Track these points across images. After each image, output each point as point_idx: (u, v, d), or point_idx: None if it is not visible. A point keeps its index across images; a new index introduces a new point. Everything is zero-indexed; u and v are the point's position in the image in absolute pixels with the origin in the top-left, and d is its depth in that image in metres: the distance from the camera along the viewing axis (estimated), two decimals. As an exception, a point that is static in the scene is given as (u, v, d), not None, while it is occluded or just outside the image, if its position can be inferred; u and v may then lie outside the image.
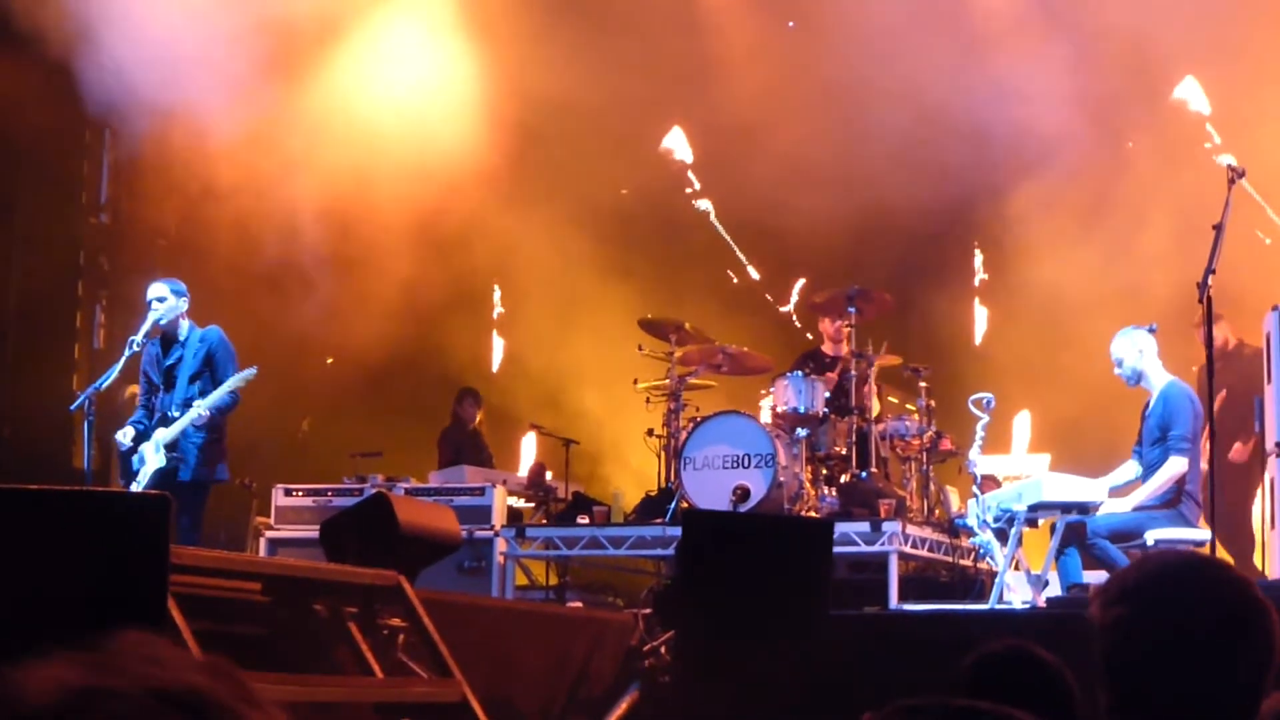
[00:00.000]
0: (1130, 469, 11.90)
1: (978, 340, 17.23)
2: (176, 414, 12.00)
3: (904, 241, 16.73)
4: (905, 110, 16.20)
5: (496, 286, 18.78)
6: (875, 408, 13.90)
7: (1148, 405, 11.83)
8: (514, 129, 16.94)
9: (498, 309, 19.01)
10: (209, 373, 12.14)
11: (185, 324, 12.26)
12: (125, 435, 12.14)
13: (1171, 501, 11.52)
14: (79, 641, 1.55)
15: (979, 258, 17.33)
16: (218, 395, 11.93)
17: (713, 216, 17.11)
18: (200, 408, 11.87)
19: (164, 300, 12.14)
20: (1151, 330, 11.83)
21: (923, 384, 13.79)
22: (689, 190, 17.11)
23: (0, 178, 16.11)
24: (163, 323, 12.14)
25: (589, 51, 16.61)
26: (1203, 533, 11.19)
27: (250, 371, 12.03)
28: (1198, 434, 11.52)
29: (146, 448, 11.98)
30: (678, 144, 17.41)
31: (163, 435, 11.95)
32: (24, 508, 6.26)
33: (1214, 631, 3.09)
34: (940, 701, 2.47)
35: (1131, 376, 11.78)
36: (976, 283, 17.58)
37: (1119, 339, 11.83)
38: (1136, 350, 11.69)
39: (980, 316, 17.37)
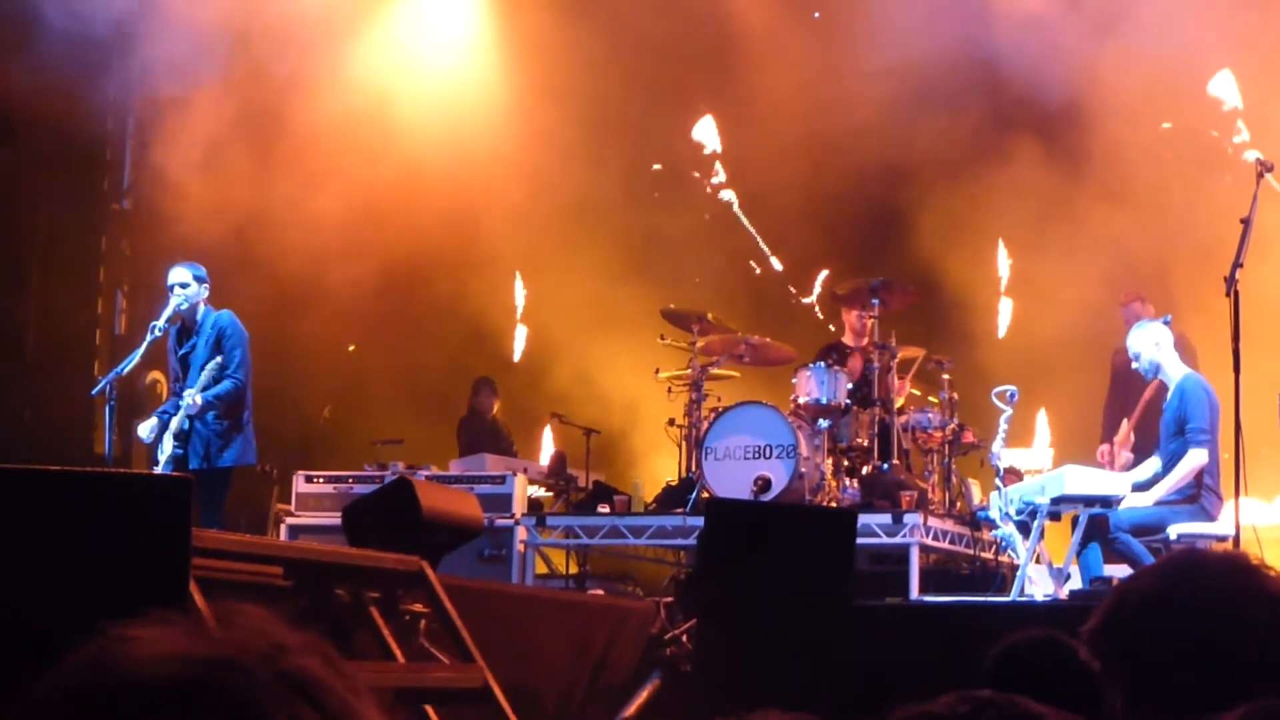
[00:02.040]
0: (1153, 464, 11.88)
1: (1001, 333, 17.18)
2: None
3: (927, 234, 16.67)
4: (930, 100, 16.17)
5: (518, 275, 18.76)
6: (900, 399, 13.88)
7: (1165, 399, 11.83)
8: (538, 116, 16.93)
9: (520, 298, 18.98)
10: (219, 357, 12.08)
11: (203, 309, 12.22)
12: (146, 428, 12.09)
13: (1192, 496, 11.50)
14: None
15: (1003, 250, 17.28)
16: (210, 388, 11.85)
17: (736, 207, 17.08)
18: (190, 396, 11.79)
19: (186, 286, 12.10)
20: (1166, 322, 11.83)
21: (946, 376, 13.75)
22: (714, 181, 17.08)
23: (22, 165, 16.09)
24: (184, 308, 12.11)
25: (614, 38, 16.60)
26: (1225, 527, 11.15)
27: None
28: (1215, 425, 11.49)
29: (166, 437, 11.98)
30: (708, 134, 17.39)
31: (174, 424, 11.94)
32: (46, 489, 6.26)
33: (1233, 622, 3.05)
34: (964, 698, 2.40)
35: (1150, 369, 11.79)
36: (1002, 276, 17.52)
37: (1135, 333, 11.85)
38: (1153, 343, 11.70)
39: (1005, 309, 17.33)
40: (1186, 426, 11.46)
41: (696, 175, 17.20)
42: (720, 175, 17.15)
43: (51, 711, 1.38)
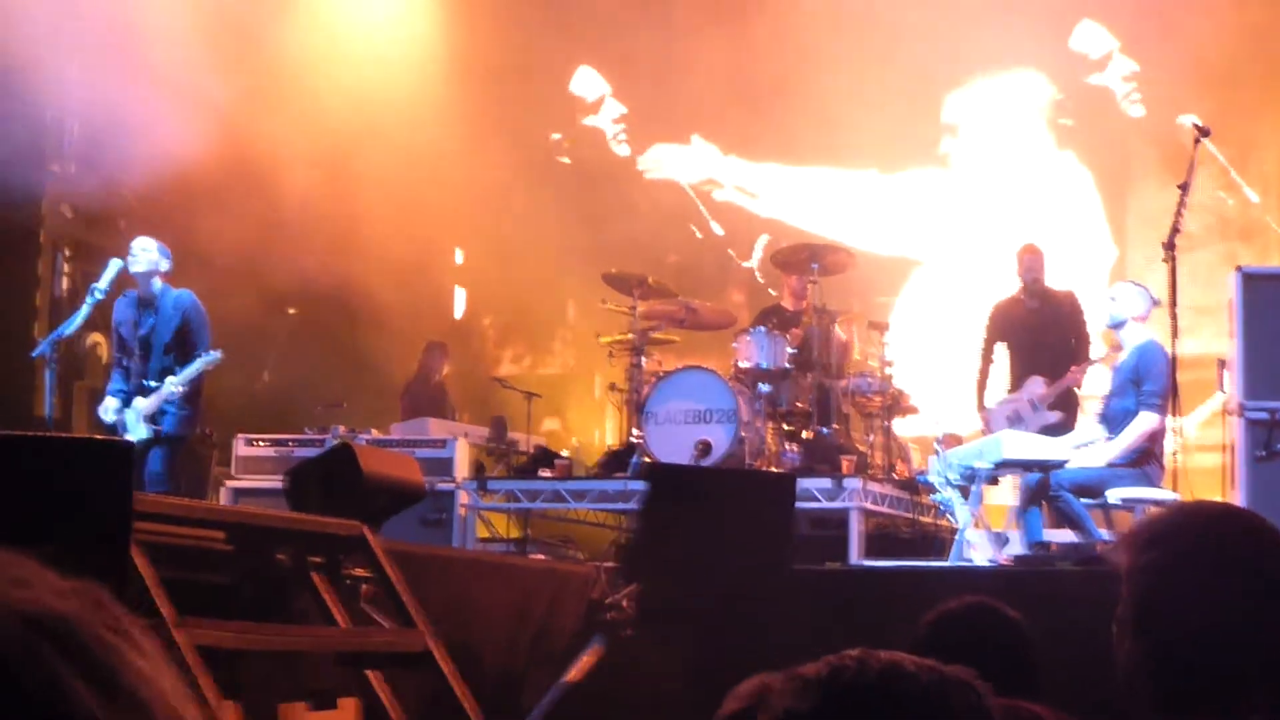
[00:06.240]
0: (1094, 429, 11.90)
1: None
2: (154, 384, 12.01)
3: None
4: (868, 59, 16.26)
5: (458, 248, 18.76)
6: (855, 353, 13.98)
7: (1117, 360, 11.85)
8: (472, 82, 16.94)
9: (459, 260, 18.97)
10: (184, 341, 12.15)
11: (159, 285, 12.25)
12: (107, 410, 12.15)
13: (1138, 460, 11.50)
14: None
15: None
16: (189, 374, 11.95)
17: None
18: (174, 385, 11.89)
19: (147, 251, 12.17)
20: (1157, 303, 11.80)
21: (885, 341, 13.82)
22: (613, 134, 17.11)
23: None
24: (133, 271, 12.14)
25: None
26: (1167, 494, 11.19)
27: (216, 355, 12.07)
28: (1168, 393, 11.49)
29: (128, 416, 12.00)
30: (589, 83, 17.47)
31: (143, 406, 11.99)
32: (-14, 453, 6.23)
33: (1251, 579, 3.02)
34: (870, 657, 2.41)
35: (1116, 321, 11.70)
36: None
37: (1134, 288, 11.80)
38: (1144, 306, 11.63)
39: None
40: (1142, 388, 11.44)
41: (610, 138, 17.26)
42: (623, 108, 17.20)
43: None
